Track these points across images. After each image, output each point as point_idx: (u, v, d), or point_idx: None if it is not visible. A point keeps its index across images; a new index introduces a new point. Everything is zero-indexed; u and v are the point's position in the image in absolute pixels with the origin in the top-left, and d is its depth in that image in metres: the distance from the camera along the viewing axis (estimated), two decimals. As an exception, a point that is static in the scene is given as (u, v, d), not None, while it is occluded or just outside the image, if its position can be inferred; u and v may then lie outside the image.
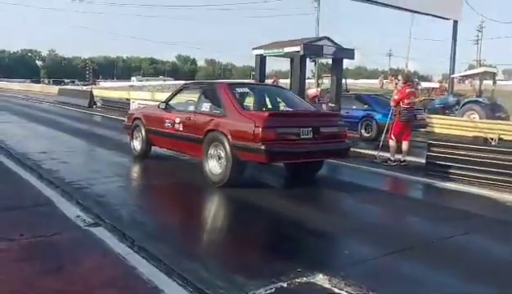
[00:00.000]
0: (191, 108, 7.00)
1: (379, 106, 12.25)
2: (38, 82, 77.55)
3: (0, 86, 52.38)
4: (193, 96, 7.42)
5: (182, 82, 18.17)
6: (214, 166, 6.14)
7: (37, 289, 2.82)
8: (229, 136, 5.88)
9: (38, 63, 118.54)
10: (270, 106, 7.39)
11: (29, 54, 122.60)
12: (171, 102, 7.57)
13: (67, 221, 4.23)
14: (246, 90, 7.36)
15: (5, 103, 23.80)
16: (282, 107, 7.44)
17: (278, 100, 7.60)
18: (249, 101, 7.39)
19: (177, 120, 6.96)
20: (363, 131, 12.39)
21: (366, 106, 12.69)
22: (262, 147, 5.53)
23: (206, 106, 6.70)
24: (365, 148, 10.50)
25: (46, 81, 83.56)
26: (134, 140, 8.12)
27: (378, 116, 11.88)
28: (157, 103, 8.54)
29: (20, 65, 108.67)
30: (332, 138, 6.33)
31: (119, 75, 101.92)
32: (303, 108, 7.23)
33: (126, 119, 8.79)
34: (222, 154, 5.99)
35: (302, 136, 5.93)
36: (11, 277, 2.97)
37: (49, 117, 16.36)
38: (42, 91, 43.02)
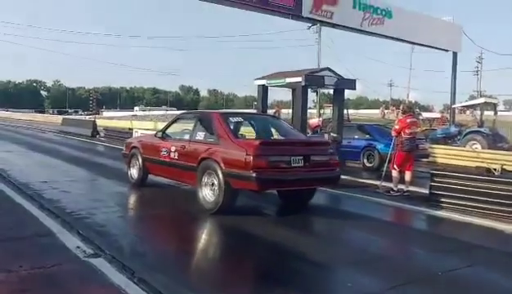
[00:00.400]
0: (186, 136, 7.11)
1: (380, 136, 12.24)
2: (43, 112, 78.40)
3: (6, 116, 52.93)
4: (188, 125, 7.51)
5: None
6: (208, 193, 6.22)
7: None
8: (221, 164, 5.97)
9: (43, 93, 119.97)
10: (262, 135, 7.41)
11: (34, 84, 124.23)
12: (167, 131, 7.70)
13: (67, 252, 4.18)
14: (240, 119, 7.55)
15: (9, 132, 23.96)
16: (275, 136, 7.50)
17: (271, 129, 7.69)
18: (242, 130, 7.55)
19: (173, 149, 7.08)
20: (365, 160, 12.36)
21: (367, 136, 12.72)
22: (254, 175, 5.61)
23: (200, 135, 6.83)
24: (367, 178, 10.47)
25: (50, 111, 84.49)
26: (131, 169, 8.22)
27: (380, 146, 11.84)
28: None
29: (25, 95, 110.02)
30: (323, 166, 6.41)
31: (123, 105, 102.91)
32: (294, 137, 7.35)
33: (124, 148, 8.90)
34: (215, 182, 6.05)
35: (293, 164, 6.01)
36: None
37: (52, 146, 16.43)
38: (46, 120, 43.38)
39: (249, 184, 5.78)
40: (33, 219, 5.40)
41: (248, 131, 7.78)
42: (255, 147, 5.80)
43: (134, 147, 8.26)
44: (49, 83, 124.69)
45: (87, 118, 40.12)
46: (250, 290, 3.68)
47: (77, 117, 52.43)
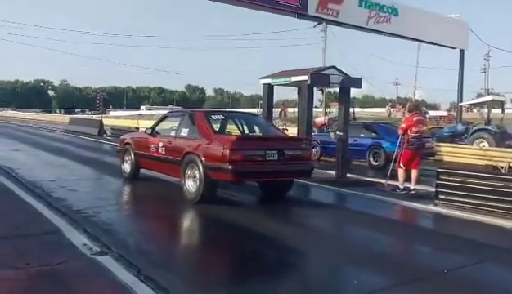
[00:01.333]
0: (173, 133, 7.62)
1: (387, 134, 12.23)
2: (50, 111, 78.88)
3: (15, 116, 53.38)
4: (175, 123, 7.91)
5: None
6: (190, 185, 6.71)
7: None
8: (202, 158, 6.50)
9: (50, 93, 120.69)
10: (241, 131, 8.15)
11: (41, 84, 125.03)
12: (157, 128, 8.23)
13: (74, 250, 4.22)
14: (221, 117, 8.17)
15: (19, 132, 24.16)
16: (254, 132, 8.06)
17: (250, 126, 8.24)
18: (223, 127, 8.08)
19: (161, 144, 7.63)
20: (371, 159, 12.33)
21: (373, 134, 12.69)
22: (230, 167, 6.13)
23: (185, 131, 7.35)
24: (373, 176, 10.45)
25: (57, 110, 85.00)
26: (125, 163, 8.72)
27: (386, 144, 11.84)
28: None
29: (33, 95, 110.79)
30: (296, 160, 6.93)
31: (129, 104, 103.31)
32: (272, 133, 7.91)
33: (119, 144, 9.36)
34: (197, 174, 6.54)
35: (268, 158, 6.52)
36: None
37: (59, 145, 16.54)
38: (54, 120, 43.66)
39: (226, 175, 6.28)
40: (40, 217, 5.45)
41: (231, 129, 8.40)
42: (231, 142, 6.35)
43: (127, 143, 8.78)
44: (56, 83, 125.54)
45: (94, 117, 40.35)
46: (259, 289, 3.67)
47: (84, 116, 52.70)
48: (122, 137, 9.79)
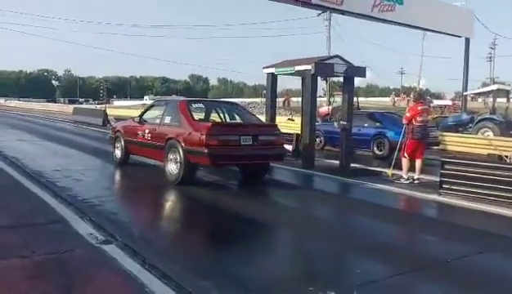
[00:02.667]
0: (157, 120, 8.18)
1: (391, 124, 12.18)
2: (54, 101, 78.95)
3: (20, 106, 53.50)
4: (160, 111, 8.46)
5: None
6: (172, 168, 7.31)
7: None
8: (182, 143, 7.08)
9: (54, 83, 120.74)
10: (218, 119, 8.87)
11: (45, 74, 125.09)
12: (144, 116, 8.81)
13: (80, 239, 4.25)
14: (201, 105, 9.25)
15: (24, 122, 24.23)
16: (234, 119, 8.60)
17: (229, 114, 8.85)
18: (202, 115, 8.74)
19: (147, 131, 8.22)
20: (375, 148, 12.30)
21: (377, 124, 12.64)
22: (206, 151, 6.72)
23: (168, 119, 7.90)
24: (378, 166, 10.45)
25: (62, 100, 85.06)
26: (116, 150, 9.33)
27: (390, 134, 11.77)
28: None
29: (37, 85, 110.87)
30: (269, 145, 7.48)
31: (133, 94, 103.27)
32: (247, 120, 8.37)
33: (110, 132, 9.97)
34: (178, 158, 7.13)
35: (242, 143, 7.06)
36: (24, 294, 2.99)
37: (64, 135, 16.60)
38: (59, 110, 43.71)
39: (203, 158, 6.88)
40: (46, 206, 5.49)
41: (214, 117, 9.03)
42: (208, 128, 6.90)
43: (117, 131, 9.43)
44: (60, 73, 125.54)
45: (98, 107, 40.39)
46: (262, 277, 3.69)
47: (88, 106, 52.74)
48: (113, 125, 10.34)
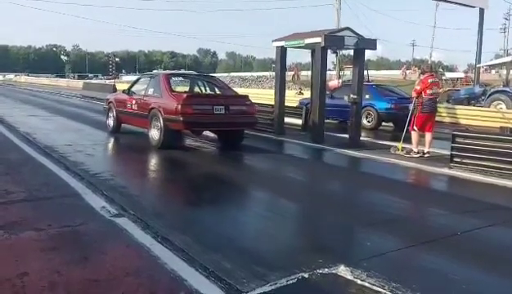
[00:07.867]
0: (142, 92, 9.10)
1: (379, 96, 12.89)
2: (63, 76, 79.06)
3: (31, 81, 53.69)
4: (145, 84, 9.34)
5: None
6: (154, 134, 8.23)
7: (64, 278, 2.90)
8: (162, 112, 7.99)
9: (63, 58, 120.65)
10: (196, 90, 9.90)
11: (54, 49, 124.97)
12: (132, 89, 9.78)
13: (93, 212, 4.32)
14: (180, 79, 10.79)
15: (35, 98, 24.36)
16: (213, 91, 9.50)
17: (205, 86, 9.84)
18: (181, 87, 9.97)
19: (134, 102, 9.19)
20: (364, 120, 12.53)
21: (367, 96, 12.66)
22: (181, 118, 7.62)
23: (151, 91, 8.83)
24: (388, 139, 10.39)
25: (71, 75, 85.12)
26: (109, 119, 10.37)
27: (378, 105, 12.62)
28: None
29: (46, 60, 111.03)
30: (241, 114, 8.28)
31: (141, 69, 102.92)
32: (222, 91, 9.30)
33: (105, 103, 10.91)
34: (159, 125, 8.04)
35: (215, 112, 7.92)
36: (41, 266, 3.06)
37: (75, 110, 16.70)
38: (68, 85, 43.84)
39: (179, 125, 7.78)
40: (59, 180, 5.57)
41: (197, 89, 9.99)
42: (183, 99, 7.83)
43: (110, 102, 10.37)
44: (68, 48, 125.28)
45: (107, 82, 40.41)
46: (274, 250, 3.73)
47: (97, 81, 52.73)
48: (107, 97, 11.32)
